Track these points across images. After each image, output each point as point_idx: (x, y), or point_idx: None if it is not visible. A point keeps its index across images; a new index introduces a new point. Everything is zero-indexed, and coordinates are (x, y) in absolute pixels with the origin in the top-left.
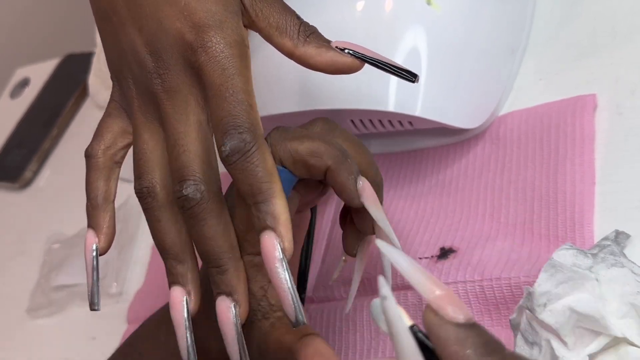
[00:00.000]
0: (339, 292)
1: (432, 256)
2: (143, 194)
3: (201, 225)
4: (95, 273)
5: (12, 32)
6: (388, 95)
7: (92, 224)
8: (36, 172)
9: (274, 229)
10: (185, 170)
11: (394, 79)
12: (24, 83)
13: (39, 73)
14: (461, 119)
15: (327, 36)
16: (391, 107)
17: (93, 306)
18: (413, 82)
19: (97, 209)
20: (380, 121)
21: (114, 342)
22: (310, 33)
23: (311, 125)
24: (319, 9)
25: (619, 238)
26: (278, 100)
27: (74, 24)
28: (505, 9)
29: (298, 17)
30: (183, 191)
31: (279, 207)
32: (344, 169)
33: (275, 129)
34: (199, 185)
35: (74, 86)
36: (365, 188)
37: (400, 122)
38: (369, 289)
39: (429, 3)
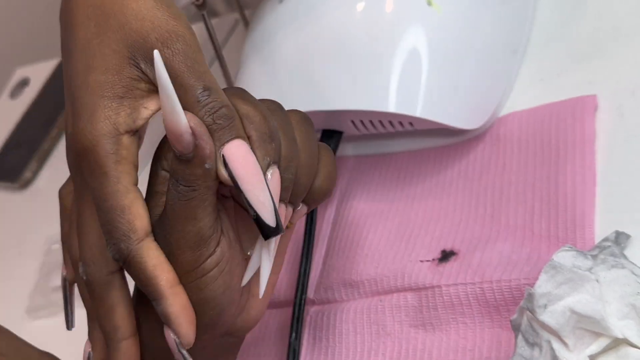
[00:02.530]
0: (340, 294)
1: (433, 259)
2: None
3: (92, 302)
4: (66, 298)
5: (12, 32)
6: (388, 96)
7: (63, 257)
8: (36, 172)
9: (167, 326)
10: (79, 251)
11: (394, 79)
12: (24, 83)
13: (39, 73)
14: (461, 120)
15: (327, 36)
16: (391, 107)
17: (68, 327)
18: (265, 239)
19: (63, 245)
20: (380, 122)
21: None
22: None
23: (279, 107)
24: (319, 10)
25: (619, 239)
26: (278, 101)
27: None
28: (506, 9)
29: (205, 93)
30: (79, 269)
31: (166, 307)
32: (262, 147)
33: (239, 89)
34: (86, 268)
35: None
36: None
37: (400, 123)
38: (369, 290)
39: (429, 4)
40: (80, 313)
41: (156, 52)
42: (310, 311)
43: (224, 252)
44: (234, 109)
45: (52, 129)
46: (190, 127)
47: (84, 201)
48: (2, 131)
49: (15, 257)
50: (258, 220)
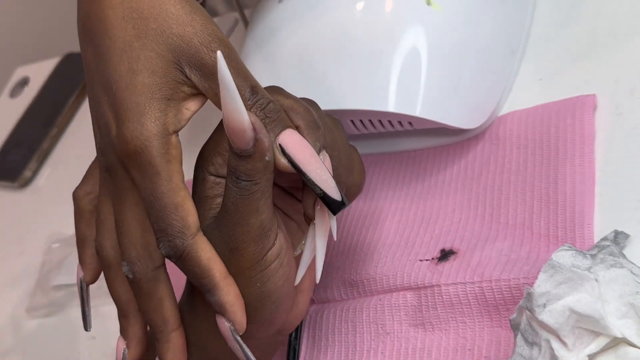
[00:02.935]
0: (339, 293)
1: (432, 258)
2: (97, 252)
3: (138, 298)
4: (83, 301)
5: (12, 32)
6: (388, 96)
7: (79, 259)
8: (36, 172)
9: (222, 315)
10: (123, 250)
11: (394, 79)
12: (24, 82)
13: (39, 72)
14: (461, 119)
15: (327, 36)
16: (391, 107)
17: (85, 328)
18: (334, 214)
19: (81, 247)
20: (380, 121)
21: (113, 342)
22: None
23: (310, 101)
24: (318, 9)
25: (618, 238)
26: None
27: (74, 23)
28: (505, 9)
29: (253, 92)
30: (123, 269)
31: (221, 296)
32: (312, 134)
33: (276, 86)
34: (132, 266)
35: (73, 85)
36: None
37: (400, 123)
38: (369, 289)
39: (429, 3)
40: (76, 312)
41: (219, 54)
42: (310, 310)
43: (282, 244)
44: (278, 103)
45: (52, 128)
46: (251, 123)
47: (124, 201)
48: (2, 130)
49: (15, 256)
50: (325, 198)
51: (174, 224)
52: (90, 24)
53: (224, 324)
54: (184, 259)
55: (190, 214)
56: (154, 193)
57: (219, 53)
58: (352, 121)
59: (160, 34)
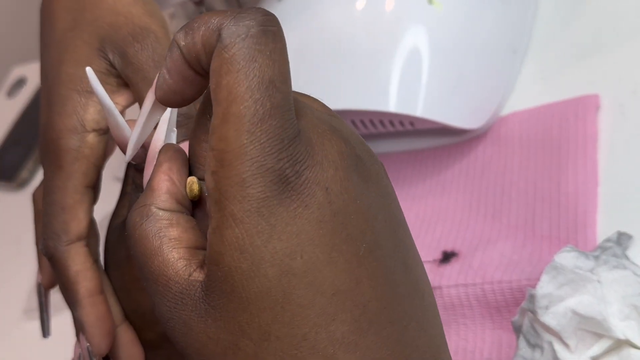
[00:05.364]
0: None
1: (434, 260)
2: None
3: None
4: (42, 305)
5: (9, 31)
6: (389, 96)
7: (38, 262)
8: (33, 172)
9: (82, 333)
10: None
11: (395, 79)
12: (21, 82)
13: (36, 72)
14: (462, 120)
15: (327, 36)
16: (392, 107)
17: (44, 335)
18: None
19: (38, 252)
20: (381, 121)
21: None
22: None
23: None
24: (318, 9)
25: (621, 239)
26: None
27: None
28: (507, 8)
29: None
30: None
31: (82, 315)
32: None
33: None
34: (45, 241)
35: None
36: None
37: (401, 123)
38: None
39: (430, 2)
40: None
41: (88, 69)
42: None
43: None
44: (192, 106)
45: None
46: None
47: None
48: None
49: (12, 257)
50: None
51: (53, 223)
52: (41, 17)
53: (83, 342)
54: (53, 262)
55: (75, 219)
56: (49, 185)
57: (88, 69)
58: (352, 121)
59: (92, 23)
